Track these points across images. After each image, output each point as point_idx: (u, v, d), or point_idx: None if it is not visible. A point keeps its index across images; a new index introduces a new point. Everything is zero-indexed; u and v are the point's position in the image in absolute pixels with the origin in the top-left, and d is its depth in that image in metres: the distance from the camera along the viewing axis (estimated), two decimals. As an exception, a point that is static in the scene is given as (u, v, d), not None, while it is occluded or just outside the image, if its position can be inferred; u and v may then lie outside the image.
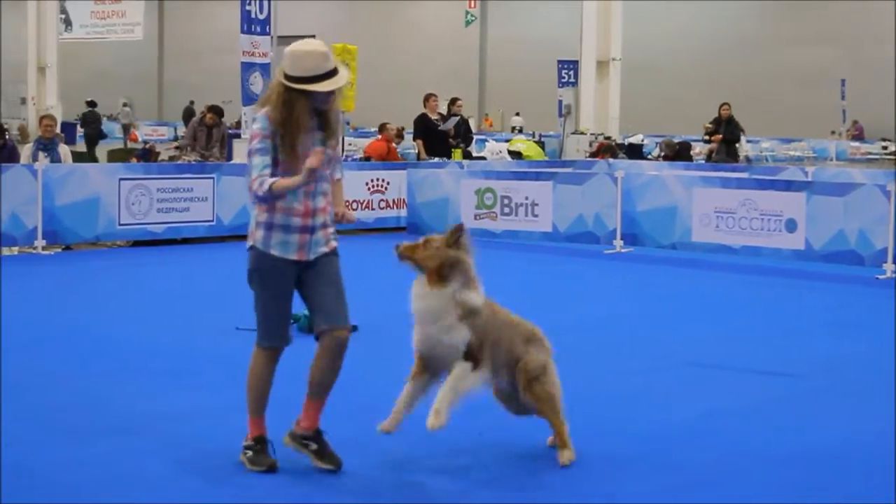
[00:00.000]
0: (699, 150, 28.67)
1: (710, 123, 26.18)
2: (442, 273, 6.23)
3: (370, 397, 7.58)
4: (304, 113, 6.12)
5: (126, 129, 49.17)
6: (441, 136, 21.62)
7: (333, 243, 6.39)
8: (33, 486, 5.99)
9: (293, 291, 6.33)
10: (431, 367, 6.38)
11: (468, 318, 6.23)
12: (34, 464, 6.32)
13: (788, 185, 16.01)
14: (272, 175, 6.06)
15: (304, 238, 6.22)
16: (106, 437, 6.88)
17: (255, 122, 6.23)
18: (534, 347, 6.59)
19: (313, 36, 6.43)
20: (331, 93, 6.16)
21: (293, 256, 6.22)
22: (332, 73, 6.14)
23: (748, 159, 36.14)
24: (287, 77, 6.10)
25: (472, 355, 6.26)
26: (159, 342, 9.79)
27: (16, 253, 15.61)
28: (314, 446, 6.28)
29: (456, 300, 6.21)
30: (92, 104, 42.48)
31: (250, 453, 6.26)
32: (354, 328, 10.15)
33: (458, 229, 6.33)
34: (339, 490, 6.01)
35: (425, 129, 21.75)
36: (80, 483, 6.04)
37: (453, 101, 22.69)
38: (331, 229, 6.38)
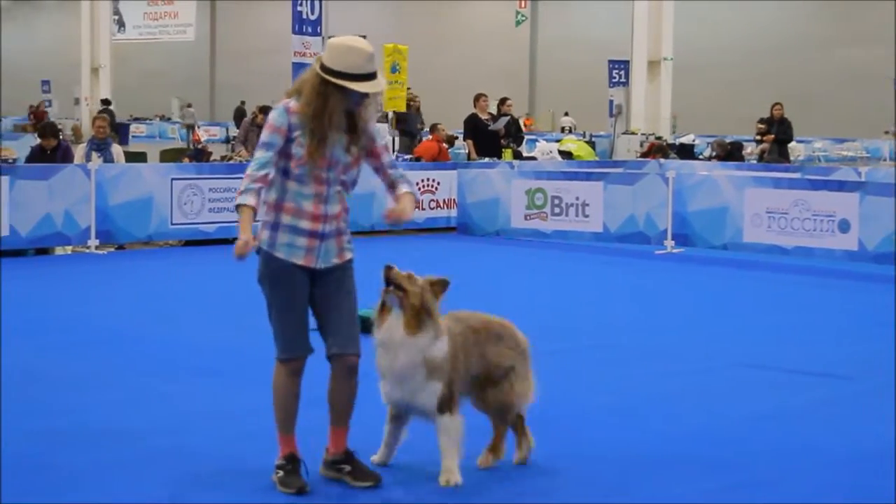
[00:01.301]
0: (751, 150, 28.49)
1: (763, 123, 26.02)
2: (421, 316, 5.93)
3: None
4: (337, 109, 5.85)
5: (189, 129, 49.79)
6: (491, 137, 21.61)
7: (348, 254, 6.08)
8: (76, 486, 6.03)
9: (307, 296, 6.01)
10: (406, 415, 6.23)
11: (437, 373, 5.98)
12: (79, 463, 6.36)
13: (841, 186, 15.90)
14: (271, 174, 5.86)
15: (312, 243, 5.93)
16: (154, 437, 6.91)
17: (272, 112, 6.00)
18: (503, 346, 6.36)
19: (364, 36, 6.36)
20: (365, 96, 5.90)
21: (300, 261, 5.91)
22: (373, 76, 5.88)
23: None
24: (325, 69, 5.83)
25: (444, 406, 6.03)
26: (208, 341, 9.84)
27: (69, 252, 15.74)
28: (347, 468, 6.04)
29: (425, 357, 5.93)
30: (106, 102, 42.90)
31: (281, 473, 5.96)
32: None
33: (446, 284, 6.10)
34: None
35: (475, 129, 21.74)
36: (122, 483, 6.08)
37: (503, 101, 22.71)
38: (346, 237, 6.09)
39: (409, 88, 22.56)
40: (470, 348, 6.21)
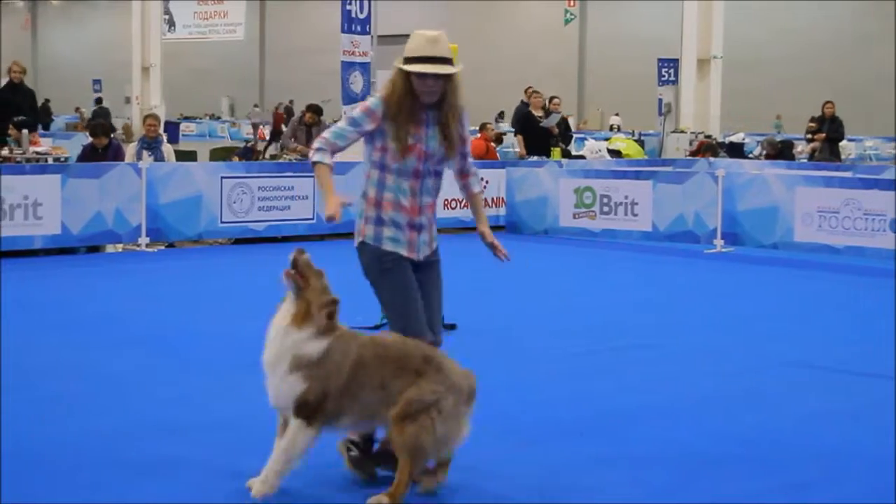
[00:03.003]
0: (801, 148, 28.33)
1: (814, 122, 25.86)
2: (310, 312, 5.60)
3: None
4: (404, 94, 5.99)
5: (255, 127, 50.52)
6: (542, 133, 21.53)
7: (436, 244, 6.30)
8: (127, 482, 6.07)
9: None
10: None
11: (302, 370, 5.56)
12: (131, 459, 6.40)
13: (893, 185, 15.76)
14: (378, 162, 6.04)
15: (412, 235, 6.12)
16: (207, 432, 6.95)
17: (369, 98, 6.19)
18: (423, 380, 5.63)
19: (408, 35, 6.36)
20: (434, 82, 5.97)
21: (404, 252, 6.09)
22: (436, 60, 5.96)
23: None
24: (401, 59, 6.06)
25: (302, 410, 5.57)
26: (258, 339, 9.86)
27: (120, 250, 15.86)
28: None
29: (292, 348, 5.59)
30: (99, 100, 43.82)
31: (355, 452, 6.01)
32: (453, 326, 10.27)
33: (335, 303, 5.66)
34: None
35: (527, 124, 21.64)
36: (173, 479, 6.11)
37: (550, 100, 22.67)
38: (435, 227, 6.28)
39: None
40: (367, 371, 5.63)
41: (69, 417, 7.23)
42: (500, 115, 47.04)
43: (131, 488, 5.92)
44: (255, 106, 55.42)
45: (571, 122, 25.33)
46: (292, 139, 20.06)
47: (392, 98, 6.01)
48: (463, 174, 6.44)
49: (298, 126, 20.25)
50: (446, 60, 6.00)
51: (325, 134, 6.13)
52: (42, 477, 6.05)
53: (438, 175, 6.21)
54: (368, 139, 6.10)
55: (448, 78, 6.03)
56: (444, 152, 6.14)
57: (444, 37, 6.07)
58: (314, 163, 6.06)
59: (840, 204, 15.55)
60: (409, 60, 5.99)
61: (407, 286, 6.08)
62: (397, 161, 6.04)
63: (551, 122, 21.67)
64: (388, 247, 6.07)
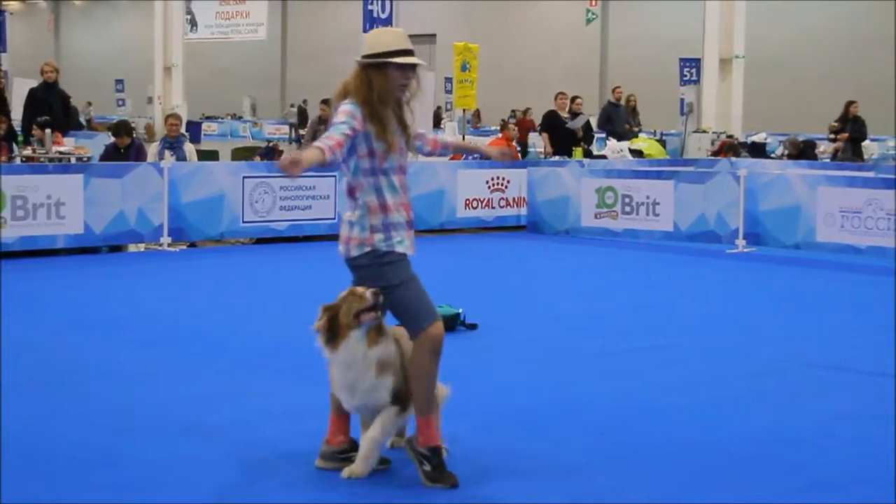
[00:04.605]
0: (824, 148, 28.23)
1: (837, 122, 25.76)
2: (378, 334, 6.04)
3: (491, 395, 7.58)
4: (385, 88, 5.97)
5: (292, 127, 50.92)
6: (568, 134, 21.95)
7: None
8: (152, 481, 6.09)
9: None
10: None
11: (388, 368, 6.04)
12: (155, 458, 6.42)
13: (916, 185, 15.71)
14: (370, 170, 6.00)
15: (410, 233, 6.11)
16: (229, 432, 6.97)
17: (343, 106, 6.00)
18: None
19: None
20: (407, 75, 6.01)
21: (409, 252, 6.08)
22: (410, 52, 6.02)
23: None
24: (364, 58, 5.99)
25: (399, 397, 6.06)
26: (279, 338, 9.88)
27: (142, 250, 15.91)
28: (427, 466, 6.02)
29: (374, 358, 6.01)
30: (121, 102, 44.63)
31: (428, 468, 5.99)
32: (474, 326, 10.28)
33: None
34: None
35: (553, 124, 22.34)
36: (199, 478, 6.13)
37: (573, 100, 22.85)
38: None
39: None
40: (405, 355, 6.23)
41: (89, 417, 7.25)
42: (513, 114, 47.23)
43: (151, 488, 5.93)
44: (292, 106, 55.75)
45: (593, 121, 25.42)
46: (311, 141, 20.09)
47: (371, 97, 5.96)
48: (433, 146, 6.50)
49: (318, 126, 20.27)
50: (412, 51, 6.07)
51: (328, 132, 5.92)
52: (61, 476, 6.07)
53: (405, 170, 6.20)
54: (350, 150, 5.96)
55: (415, 71, 6.08)
56: (405, 144, 6.15)
57: (401, 29, 6.20)
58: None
59: (862, 204, 15.50)
60: (390, 54, 5.96)
61: (416, 280, 6.07)
62: (385, 161, 6.00)
63: (577, 123, 22.05)
64: (400, 249, 6.03)
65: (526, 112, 33.88)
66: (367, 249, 6.01)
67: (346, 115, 5.93)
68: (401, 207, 6.06)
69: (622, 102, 27.09)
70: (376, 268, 6.02)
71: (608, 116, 26.39)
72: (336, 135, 5.86)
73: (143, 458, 6.38)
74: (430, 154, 6.59)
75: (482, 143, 24.59)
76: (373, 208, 6.01)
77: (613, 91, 27.23)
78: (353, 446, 6.19)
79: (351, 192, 6.07)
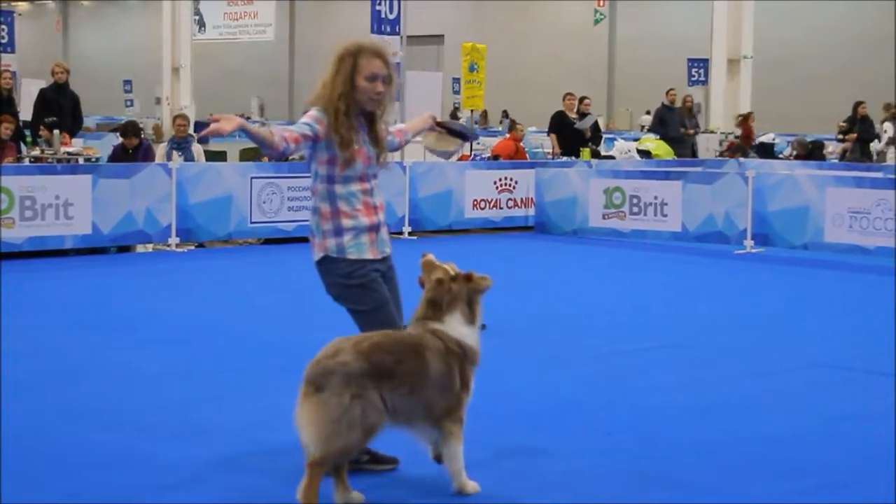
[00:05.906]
0: (832, 149, 28.19)
1: (845, 122, 25.73)
2: None
3: (499, 395, 7.58)
4: (354, 99, 6.03)
5: None
6: (576, 135, 21.97)
7: (390, 248, 6.25)
8: (166, 480, 6.10)
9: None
10: None
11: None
12: (167, 458, 6.43)
13: (925, 185, 15.70)
14: (329, 176, 6.02)
15: (372, 236, 6.05)
16: (243, 432, 6.97)
17: (311, 110, 6.08)
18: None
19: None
20: (377, 87, 6.04)
21: (368, 255, 6.03)
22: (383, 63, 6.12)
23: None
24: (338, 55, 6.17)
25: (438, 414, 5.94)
26: (288, 339, 9.89)
27: (150, 250, 15.92)
28: (366, 458, 6.12)
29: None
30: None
31: (367, 457, 6.13)
32: (483, 327, 10.27)
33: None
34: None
35: (561, 125, 22.36)
36: (212, 478, 6.13)
37: (581, 100, 22.82)
38: (385, 227, 6.24)
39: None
40: None
41: (100, 417, 7.27)
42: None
43: (163, 490, 5.94)
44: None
45: (601, 121, 25.41)
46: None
47: (328, 91, 6.07)
48: (400, 136, 6.54)
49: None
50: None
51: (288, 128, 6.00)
52: (73, 476, 6.08)
53: (376, 176, 6.19)
54: (311, 154, 6.02)
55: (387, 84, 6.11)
56: (376, 155, 6.13)
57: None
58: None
59: (871, 204, 15.48)
60: (358, 51, 6.17)
61: (378, 291, 6.03)
62: (345, 169, 5.98)
63: (585, 124, 22.04)
64: (352, 255, 6.00)
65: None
66: (321, 255, 6.06)
67: (312, 118, 5.99)
68: (362, 212, 6.03)
69: (677, 104, 26.56)
70: (328, 275, 6.07)
71: (661, 119, 25.85)
72: (294, 129, 5.95)
73: (154, 459, 6.38)
74: (399, 147, 6.63)
75: (482, 143, 24.65)
76: (324, 214, 6.05)
77: (667, 93, 26.54)
78: (366, 452, 6.13)
79: (312, 197, 6.15)
